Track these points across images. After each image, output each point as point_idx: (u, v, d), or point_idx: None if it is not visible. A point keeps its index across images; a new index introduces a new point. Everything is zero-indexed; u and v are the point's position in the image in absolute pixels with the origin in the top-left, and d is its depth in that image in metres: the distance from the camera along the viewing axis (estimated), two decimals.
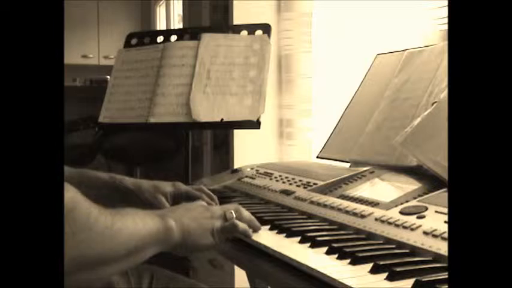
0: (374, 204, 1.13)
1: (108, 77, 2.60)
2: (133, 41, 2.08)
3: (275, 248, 0.97)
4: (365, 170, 1.37)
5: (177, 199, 1.36)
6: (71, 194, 0.83)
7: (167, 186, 1.35)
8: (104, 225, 0.86)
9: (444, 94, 1.32)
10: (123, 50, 2.07)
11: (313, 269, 0.85)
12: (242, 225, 1.07)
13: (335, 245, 0.93)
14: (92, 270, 0.87)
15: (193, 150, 2.09)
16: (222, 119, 1.82)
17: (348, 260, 0.88)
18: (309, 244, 0.98)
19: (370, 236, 1.02)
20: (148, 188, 1.33)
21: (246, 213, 1.11)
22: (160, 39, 2.04)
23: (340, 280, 0.79)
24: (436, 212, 1.00)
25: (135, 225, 0.93)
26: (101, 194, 1.31)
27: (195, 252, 1.10)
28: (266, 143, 2.54)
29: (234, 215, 1.08)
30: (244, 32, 1.94)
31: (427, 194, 1.13)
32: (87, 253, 0.84)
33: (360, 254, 0.88)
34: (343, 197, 1.23)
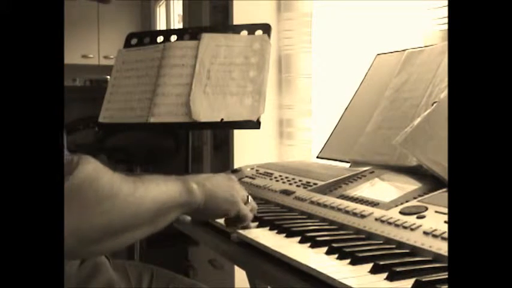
0: (374, 204, 1.14)
1: (108, 77, 2.60)
2: (134, 41, 2.07)
3: (275, 248, 0.97)
4: (365, 170, 1.37)
5: None
6: (93, 165, 0.85)
7: None
8: (127, 192, 0.88)
9: (444, 94, 1.32)
10: (123, 50, 2.07)
11: (313, 269, 0.85)
12: (250, 216, 1.11)
13: (335, 245, 0.93)
14: (119, 236, 0.89)
15: (193, 150, 2.09)
16: (222, 119, 1.81)
17: (348, 260, 0.88)
18: (309, 244, 0.98)
19: (370, 236, 1.02)
20: None
21: (255, 205, 1.15)
22: (160, 39, 2.04)
23: (340, 280, 0.79)
24: (436, 212, 1.00)
25: (158, 189, 0.95)
26: None
27: (215, 217, 1.12)
28: (266, 143, 2.54)
29: (251, 203, 1.13)
30: (244, 32, 1.93)
31: (427, 194, 1.13)
32: (112, 220, 0.86)
33: (360, 254, 0.88)
34: (343, 197, 1.23)
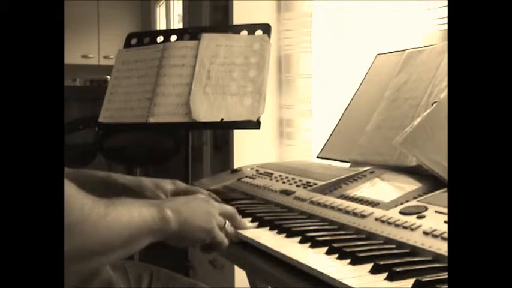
0: (374, 204, 1.13)
1: (108, 77, 2.60)
2: (133, 41, 2.08)
3: (275, 248, 0.97)
4: (365, 170, 1.37)
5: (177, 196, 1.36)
6: (65, 187, 0.83)
7: (167, 184, 1.35)
8: (97, 216, 0.86)
9: (444, 94, 1.32)
10: (123, 50, 2.07)
11: (313, 269, 0.85)
12: (225, 243, 1.08)
13: (335, 245, 0.93)
14: (87, 261, 0.87)
15: (193, 150, 2.09)
16: (222, 119, 1.82)
17: (348, 260, 0.88)
18: (309, 244, 0.98)
19: (370, 236, 1.02)
20: (148, 185, 1.33)
21: (240, 222, 1.14)
22: (160, 39, 2.04)
23: (340, 280, 0.79)
24: (436, 212, 1.00)
25: (130, 215, 0.93)
26: (98, 193, 1.31)
27: (190, 245, 1.10)
28: (266, 143, 2.54)
29: (228, 227, 1.10)
30: (244, 32, 1.94)
31: (427, 194, 1.13)
32: (81, 245, 0.84)
33: (360, 254, 0.88)
34: (343, 197, 1.23)
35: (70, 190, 0.84)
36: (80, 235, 0.83)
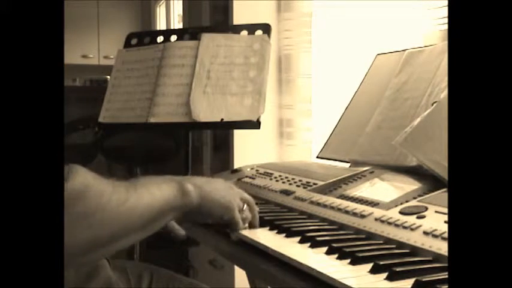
0: (374, 204, 1.14)
1: (108, 77, 2.59)
2: (134, 41, 2.07)
3: (275, 248, 0.97)
4: (365, 170, 1.37)
5: None
6: (81, 178, 0.84)
7: None
8: (117, 202, 0.88)
9: (444, 94, 1.32)
10: (123, 50, 2.07)
11: (313, 269, 0.85)
12: (241, 225, 1.09)
13: (335, 245, 0.93)
14: (107, 246, 0.89)
15: (193, 150, 2.09)
16: (222, 119, 1.81)
17: (348, 260, 0.88)
18: (308, 244, 0.98)
19: (370, 236, 1.02)
20: None
21: (256, 211, 1.14)
22: (160, 39, 2.04)
23: (340, 280, 0.79)
24: (436, 212, 1.00)
25: (151, 195, 0.94)
26: None
27: (209, 220, 1.11)
28: (266, 143, 2.54)
29: (246, 211, 1.11)
30: (244, 32, 1.93)
31: (427, 194, 1.13)
32: (101, 233, 0.86)
33: (360, 254, 0.88)
34: (343, 197, 1.23)
35: (86, 179, 0.84)
36: (100, 224, 0.85)
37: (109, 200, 0.86)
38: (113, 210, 0.87)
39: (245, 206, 1.11)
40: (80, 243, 0.83)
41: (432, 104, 1.32)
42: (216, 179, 1.14)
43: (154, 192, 0.95)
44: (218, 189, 1.08)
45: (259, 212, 1.21)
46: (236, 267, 2.37)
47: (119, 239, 0.90)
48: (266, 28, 1.91)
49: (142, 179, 0.97)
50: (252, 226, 1.13)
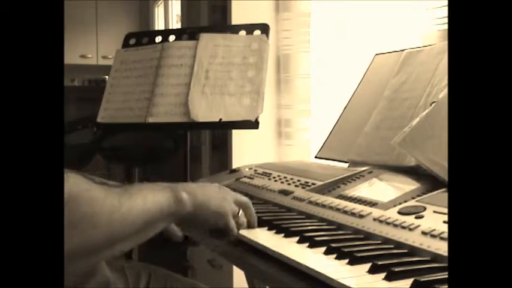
0: (372, 204, 1.14)
1: (107, 77, 2.60)
2: (132, 41, 2.07)
3: (273, 248, 0.97)
4: (363, 170, 1.37)
5: None
6: (73, 183, 0.83)
7: None
8: (110, 209, 0.87)
9: (443, 94, 1.32)
10: (121, 50, 2.07)
11: (311, 269, 0.85)
12: (235, 231, 1.09)
13: (333, 245, 0.93)
14: (101, 252, 0.88)
15: (191, 150, 2.09)
16: (220, 119, 1.82)
17: (346, 260, 0.88)
18: (307, 244, 0.98)
19: (369, 236, 1.02)
20: None
21: (253, 211, 1.14)
22: (158, 39, 2.04)
23: (339, 280, 0.79)
24: (435, 212, 1.00)
25: (145, 201, 0.94)
26: None
27: (203, 228, 1.11)
28: (264, 143, 2.54)
29: (241, 217, 1.10)
30: (243, 32, 1.93)
31: (425, 194, 1.13)
32: (94, 239, 0.85)
33: (358, 254, 0.88)
34: (342, 197, 1.23)
35: (78, 184, 0.84)
36: (91, 229, 0.84)
37: (102, 206, 0.86)
38: (105, 217, 0.86)
39: (240, 211, 1.11)
40: (73, 249, 0.81)
41: (431, 104, 1.32)
42: (210, 185, 1.13)
43: (148, 200, 0.94)
44: (212, 195, 1.07)
45: (258, 212, 1.21)
46: (235, 267, 2.37)
47: (112, 245, 0.89)
48: (264, 28, 1.91)
49: (136, 185, 0.97)
50: (250, 226, 1.13)
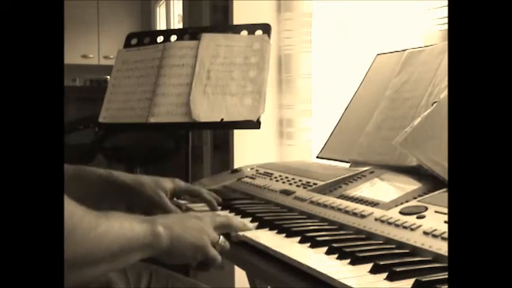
0: (374, 204, 1.13)
1: (108, 77, 2.60)
2: (133, 41, 2.08)
3: (275, 248, 0.97)
4: (365, 170, 1.37)
5: (177, 195, 1.36)
6: None
7: (167, 182, 1.35)
8: (88, 226, 0.86)
9: (444, 94, 1.32)
10: (123, 50, 2.07)
11: (313, 269, 0.85)
12: (218, 260, 1.07)
13: (335, 245, 0.93)
14: (76, 271, 0.86)
15: (193, 150, 2.09)
16: (222, 119, 1.82)
17: (348, 260, 0.88)
18: (308, 244, 0.98)
19: (370, 236, 1.02)
20: (148, 182, 1.33)
21: (237, 222, 1.12)
22: (160, 39, 2.04)
23: (340, 280, 0.79)
24: (436, 212, 1.00)
25: (122, 228, 0.92)
26: (97, 190, 1.30)
27: (181, 262, 1.09)
28: (266, 143, 2.54)
29: (222, 243, 1.08)
30: (244, 32, 1.94)
31: (427, 194, 1.13)
32: (69, 254, 0.82)
33: (360, 254, 0.88)
34: (343, 197, 1.23)
35: None
36: (68, 244, 0.81)
37: (80, 222, 0.84)
38: (82, 234, 0.84)
39: (220, 237, 1.08)
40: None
41: (432, 104, 1.32)
42: (188, 216, 1.11)
43: (125, 227, 0.93)
44: (189, 229, 1.04)
45: (259, 212, 1.21)
46: (236, 267, 2.36)
47: (85, 265, 0.87)
48: (266, 28, 1.91)
49: (113, 212, 0.95)
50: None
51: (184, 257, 1.05)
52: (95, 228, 0.87)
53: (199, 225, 1.06)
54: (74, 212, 0.84)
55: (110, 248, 0.90)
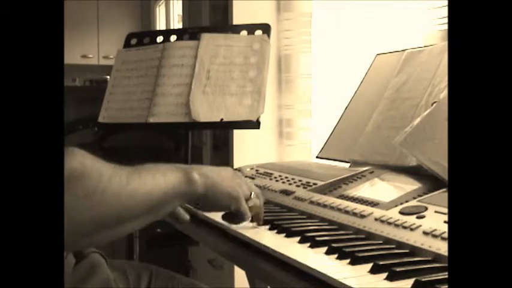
0: (374, 204, 1.13)
1: (108, 77, 2.60)
2: (133, 41, 2.08)
3: (275, 248, 0.97)
4: (365, 170, 1.37)
5: None
6: (79, 158, 0.83)
7: None
8: (118, 185, 0.87)
9: (444, 94, 1.32)
10: (122, 50, 2.08)
11: (312, 269, 0.85)
12: (248, 215, 1.09)
13: (335, 245, 0.93)
14: (112, 228, 0.88)
15: (192, 150, 2.09)
16: (221, 119, 1.82)
17: (348, 260, 0.88)
18: (308, 244, 0.98)
19: (370, 236, 1.02)
20: None
21: (257, 202, 1.13)
22: (160, 39, 2.04)
23: (340, 280, 0.79)
24: (436, 212, 1.00)
25: (155, 181, 0.93)
26: None
27: (216, 210, 1.10)
28: (266, 143, 2.54)
29: (255, 201, 1.10)
30: (244, 32, 1.94)
31: (426, 194, 1.13)
32: (104, 213, 0.84)
33: (360, 254, 0.88)
34: (343, 197, 1.23)
35: (84, 160, 0.84)
36: (101, 204, 0.84)
37: (109, 182, 0.85)
38: (114, 192, 0.86)
39: (252, 194, 1.10)
40: (85, 222, 0.82)
41: (432, 104, 1.32)
42: (224, 167, 1.12)
43: (158, 179, 0.94)
44: (225, 178, 1.06)
45: None
46: (236, 267, 2.37)
47: (123, 221, 0.89)
48: (266, 28, 1.91)
49: (147, 165, 0.96)
50: (255, 219, 1.12)
51: (218, 205, 1.07)
52: (125, 186, 0.88)
53: (236, 177, 1.09)
54: (102, 173, 0.85)
55: (144, 203, 0.91)
